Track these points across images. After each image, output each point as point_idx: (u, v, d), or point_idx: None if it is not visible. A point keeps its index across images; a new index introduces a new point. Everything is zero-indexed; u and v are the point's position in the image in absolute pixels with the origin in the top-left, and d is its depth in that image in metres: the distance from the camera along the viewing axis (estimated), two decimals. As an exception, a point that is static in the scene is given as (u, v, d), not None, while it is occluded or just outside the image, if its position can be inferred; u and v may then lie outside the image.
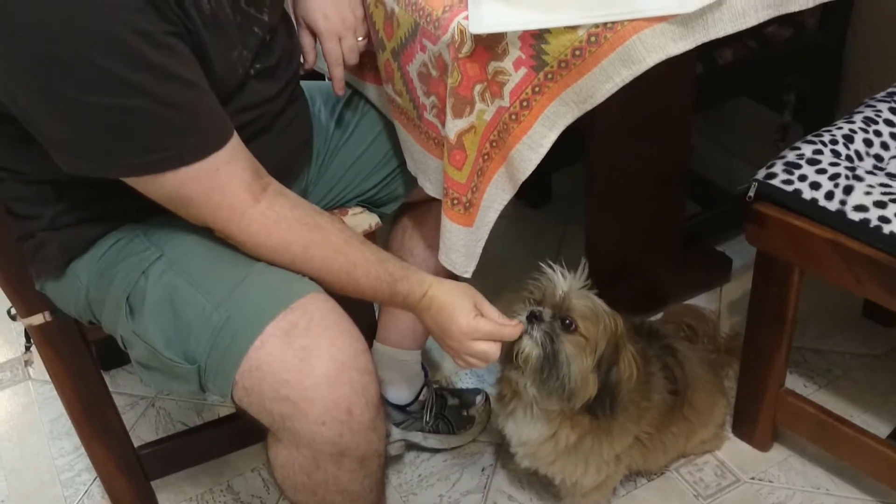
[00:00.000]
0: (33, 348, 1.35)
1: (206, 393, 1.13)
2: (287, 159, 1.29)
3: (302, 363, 1.04)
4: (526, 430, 1.36)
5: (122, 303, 1.13)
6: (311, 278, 1.13)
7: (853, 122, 1.39)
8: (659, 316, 1.71)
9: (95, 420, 1.43)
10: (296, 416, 1.05)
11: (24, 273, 1.23)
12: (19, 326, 1.32)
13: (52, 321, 1.30)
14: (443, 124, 1.18)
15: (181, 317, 1.09)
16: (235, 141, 1.06)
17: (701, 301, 1.92)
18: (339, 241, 1.13)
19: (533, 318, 1.22)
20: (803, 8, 1.13)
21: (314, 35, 1.30)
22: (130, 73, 0.94)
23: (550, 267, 1.25)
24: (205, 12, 1.02)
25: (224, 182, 1.05)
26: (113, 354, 1.91)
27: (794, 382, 1.70)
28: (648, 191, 1.75)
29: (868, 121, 1.40)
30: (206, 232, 1.13)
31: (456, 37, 1.09)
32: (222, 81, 1.08)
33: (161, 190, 1.04)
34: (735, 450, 1.60)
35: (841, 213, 1.25)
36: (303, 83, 1.42)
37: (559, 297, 1.23)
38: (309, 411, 1.04)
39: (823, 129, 1.39)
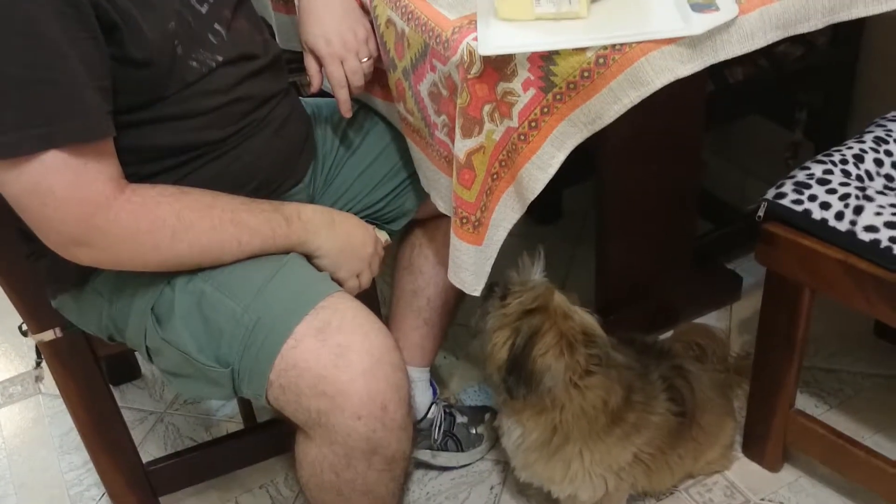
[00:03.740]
0: (43, 364, 1.36)
1: (237, 396, 1.15)
2: (287, 156, 1.30)
3: (339, 359, 1.07)
4: (511, 436, 1.39)
5: (148, 313, 1.15)
6: (201, 248, 1.10)
7: (863, 142, 1.39)
8: (669, 334, 1.71)
9: (104, 436, 1.44)
10: (332, 412, 1.07)
11: (35, 290, 1.25)
12: (30, 340, 1.32)
13: (62, 337, 1.31)
14: (453, 143, 1.18)
15: (211, 322, 1.12)
16: (111, 143, 1.04)
17: (711, 319, 1.91)
18: (208, 197, 1.12)
19: (486, 291, 1.32)
20: (812, 29, 1.13)
21: (318, 60, 1.31)
22: (15, 37, 0.93)
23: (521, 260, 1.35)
24: None
25: (91, 177, 1.01)
26: (122, 369, 1.92)
27: (804, 402, 1.69)
28: (660, 208, 1.75)
29: (878, 140, 1.39)
30: None
31: (465, 58, 1.10)
32: (160, 50, 1.07)
33: (18, 181, 0.99)
34: (745, 470, 1.59)
35: (851, 234, 1.25)
36: (309, 100, 1.43)
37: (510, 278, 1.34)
38: (346, 406, 1.07)
39: (833, 148, 1.39)
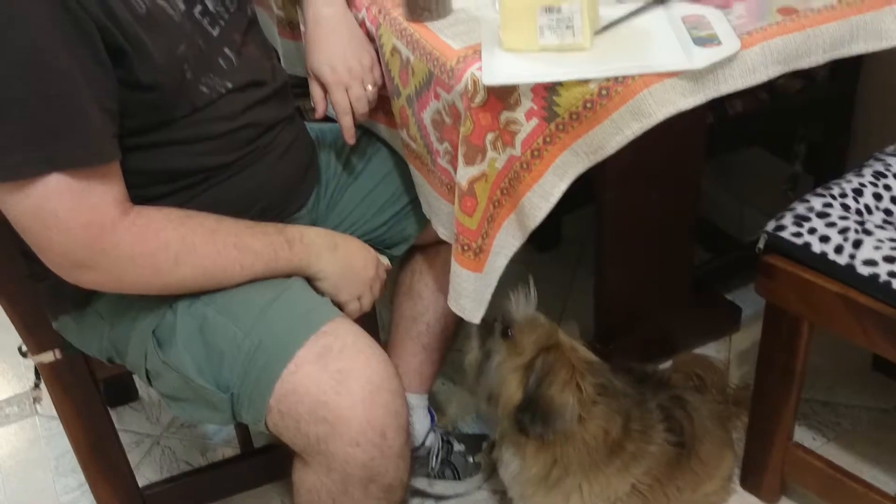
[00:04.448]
0: (42, 385, 1.36)
1: (235, 421, 1.15)
2: (291, 181, 1.31)
3: (339, 385, 1.07)
4: (509, 468, 1.38)
5: (149, 336, 1.15)
6: (204, 272, 1.10)
7: (862, 176, 1.40)
8: (668, 364, 1.71)
9: (101, 458, 1.43)
10: (331, 438, 1.07)
11: (35, 311, 1.24)
12: (27, 361, 1.32)
13: (62, 359, 1.30)
14: (455, 170, 1.19)
15: (212, 346, 1.12)
16: (117, 165, 1.04)
17: (710, 350, 1.91)
18: (212, 221, 1.12)
19: (482, 326, 1.32)
20: (813, 65, 1.15)
21: (323, 86, 1.32)
22: (20, 58, 0.92)
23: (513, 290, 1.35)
24: (138, 12, 1.02)
25: (96, 200, 1.01)
26: (119, 391, 1.91)
27: (802, 435, 1.69)
28: (659, 237, 1.75)
29: (877, 175, 1.40)
30: None
31: (469, 87, 1.11)
32: (168, 73, 1.07)
33: (20, 204, 0.98)
34: (743, 502, 1.58)
35: (850, 267, 1.25)
36: (313, 125, 1.44)
37: (510, 314, 1.33)
38: (344, 432, 1.07)
39: (833, 181, 1.40)
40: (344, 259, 1.24)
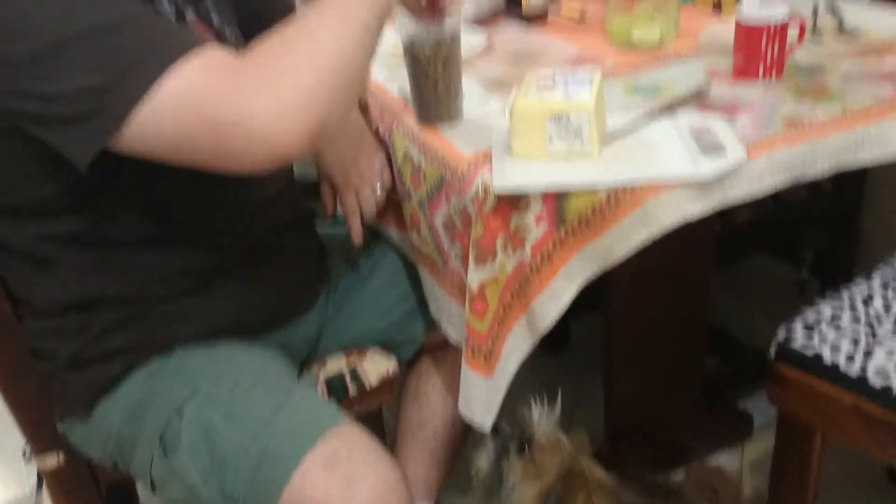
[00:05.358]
0: (44, 489, 1.33)
1: None
2: (300, 283, 1.31)
3: (347, 491, 1.05)
4: None
5: (156, 442, 1.14)
6: (323, 48, 0.95)
7: (872, 284, 1.40)
8: (680, 476, 1.68)
9: (100, 566, 1.40)
10: None
11: (42, 412, 1.24)
12: (29, 465, 1.30)
13: (65, 463, 1.29)
14: (467, 273, 1.20)
15: (218, 452, 1.10)
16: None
17: (722, 459, 1.87)
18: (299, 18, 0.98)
19: (495, 433, 1.28)
20: (820, 174, 1.16)
21: (334, 188, 1.34)
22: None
23: (534, 400, 1.32)
24: None
25: (220, 66, 0.91)
26: (121, 497, 1.87)
27: (817, 548, 1.64)
28: (668, 343, 1.75)
29: (887, 281, 1.41)
30: (236, 363, 1.15)
31: (480, 192, 1.12)
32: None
33: (181, 116, 0.90)
34: None
35: (862, 379, 1.24)
36: (323, 227, 1.46)
37: (530, 431, 1.29)
38: None
39: (843, 286, 1.40)
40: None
